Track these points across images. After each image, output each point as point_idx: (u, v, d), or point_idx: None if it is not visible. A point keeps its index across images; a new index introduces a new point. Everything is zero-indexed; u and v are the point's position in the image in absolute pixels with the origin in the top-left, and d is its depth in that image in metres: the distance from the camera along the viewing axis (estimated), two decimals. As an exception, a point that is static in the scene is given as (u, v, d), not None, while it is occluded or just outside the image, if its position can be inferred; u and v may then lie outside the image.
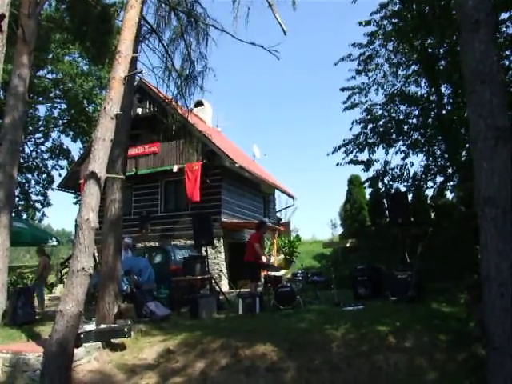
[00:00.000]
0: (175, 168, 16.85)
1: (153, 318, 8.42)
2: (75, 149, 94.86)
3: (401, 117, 11.25)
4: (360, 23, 11.12)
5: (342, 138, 12.20)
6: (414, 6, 10.02)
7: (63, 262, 19.84)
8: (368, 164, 11.22)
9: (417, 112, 11.14)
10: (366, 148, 11.14)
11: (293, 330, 6.74)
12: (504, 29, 9.06)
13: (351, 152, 11.26)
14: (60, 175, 26.90)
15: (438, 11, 9.39)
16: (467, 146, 9.64)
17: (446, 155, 10.74)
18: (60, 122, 27.63)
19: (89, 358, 6.31)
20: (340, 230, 22.38)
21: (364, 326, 6.48)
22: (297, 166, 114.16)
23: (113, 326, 7.21)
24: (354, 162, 11.32)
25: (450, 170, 10.85)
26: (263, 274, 10.26)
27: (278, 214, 25.16)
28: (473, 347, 5.41)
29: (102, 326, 7.17)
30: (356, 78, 11.51)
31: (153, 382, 5.75)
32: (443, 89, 10.89)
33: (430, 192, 12.50)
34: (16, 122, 9.92)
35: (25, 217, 26.34)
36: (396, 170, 11.17)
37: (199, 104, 21.03)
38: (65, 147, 27.95)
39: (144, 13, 10.03)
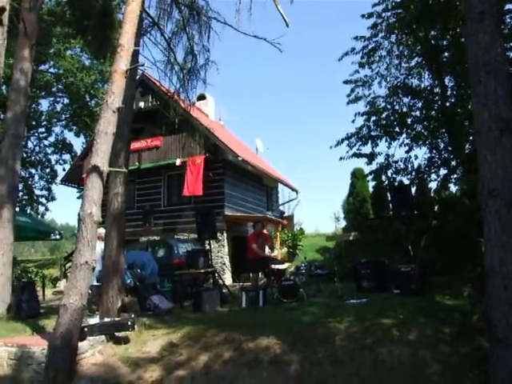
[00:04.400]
0: (178, 162, 16.82)
1: (156, 311, 8.44)
2: (78, 143, 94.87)
3: (404, 109, 11.19)
4: (363, 15, 11.07)
5: (345, 130, 12.14)
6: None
7: (67, 256, 19.89)
8: (371, 157, 11.17)
9: (420, 104, 11.08)
10: (369, 141, 11.08)
11: (296, 323, 6.75)
12: (508, 20, 8.98)
13: (354, 145, 11.21)
14: (64, 169, 26.93)
15: (442, 1, 9.31)
16: (471, 138, 9.59)
17: (450, 148, 10.68)
18: (63, 116, 27.63)
19: (93, 352, 6.34)
20: (343, 223, 22.29)
21: (367, 319, 6.48)
22: (300, 159, 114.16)
23: (116, 319, 7.24)
24: (357, 155, 11.27)
25: (453, 163, 10.79)
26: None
27: (281, 208, 25.13)
28: (476, 340, 5.40)
29: (106, 319, 7.20)
30: (359, 71, 11.46)
31: (156, 374, 5.78)
32: (447, 81, 10.83)
33: (433, 185, 12.43)
34: (18, 117, 9.92)
35: (28, 211, 26.40)
36: (399, 162, 11.12)
37: (202, 97, 20.96)
38: (68, 142, 27.98)
39: (146, 6, 10.01)
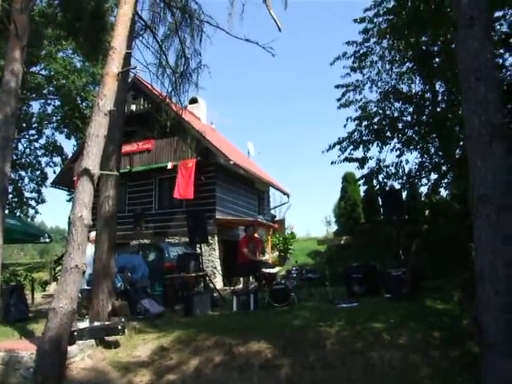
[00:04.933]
0: (169, 165, 16.80)
1: (147, 315, 8.40)
2: (69, 146, 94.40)
3: (395, 114, 11.25)
4: (355, 20, 11.12)
5: (336, 135, 12.19)
6: (409, 3, 10.00)
7: (56, 259, 19.74)
8: (363, 161, 11.21)
9: (411, 109, 11.14)
10: (361, 145, 11.13)
11: (287, 327, 6.75)
12: (498, 27, 9.07)
13: (346, 150, 11.26)
14: (54, 172, 26.75)
15: (433, 7, 9.39)
16: (461, 143, 9.65)
17: (441, 152, 10.75)
18: (54, 118, 27.46)
19: (82, 356, 6.29)
20: (334, 227, 22.41)
21: (358, 324, 6.50)
22: (291, 162, 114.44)
23: (107, 323, 7.19)
24: (348, 159, 11.31)
25: (444, 168, 10.86)
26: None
27: (272, 211, 25.15)
28: (466, 344, 5.43)
29: (96, 323, 7.15)
30: (351, 75, 11.51)
31: (147, 379, 5.74)
32: (437, 86, 10.90)
33: (424, 189, 12.52)
34: (8, 119, 9.82)
35: (18, 214, 26.18)
36: (391, 167, 11.17)
37: (193, 101, 20.96)
38: (58, 144, 27.80)
39: (138, 8, 9.99)
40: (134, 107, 18.18)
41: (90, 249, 8.19)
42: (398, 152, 11.12)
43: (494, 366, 4.30)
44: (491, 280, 4.43)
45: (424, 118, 10.85)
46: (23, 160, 27.25)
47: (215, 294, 10.40)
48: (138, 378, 5.77)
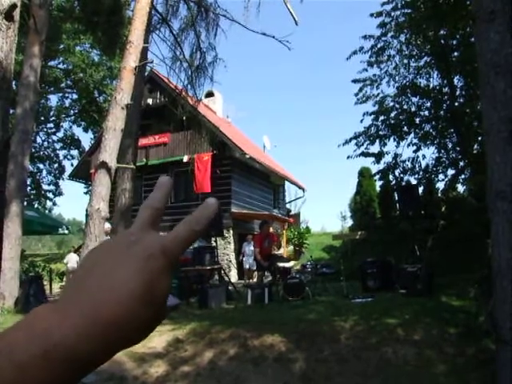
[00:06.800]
0: (185, 158, 16.87)
1: (162, 307, 8.48)
2: (87, 139, 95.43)
3: (412, 109, 11.17)
4: (372, 14, 11.03)
5: (353, 129, 12.16)
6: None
7: (74, 250, 19.99)
8: (379, 156, 11.16)
9: (429, 104, 11.05)
10: (377, 140, 11.08)
11: (301, 321, 6.76)
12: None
13: (362, 144, 11.22)
14: (72, 165, 27.11)
15: (451, 0, 9.27)
16: (479, 138, 9.54)
17: (458, 148, 10.66)
18: (71, 112, 27.78)
19: (99, 346, 6.37)
20: (350, 222, 22.31)
21: (373, 319, 6.48)
22: (307, 157, 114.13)
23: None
24: (365, 154, 11.27)
25: (461, 163, 10.77)
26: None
27: (287, 206, 25.13)
28: (482, 341, 5.39)
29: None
30: (368, 70, 11.45)
31: (162, 370, 5.80)
32: (456, 81, 10.80)
33: (441, 185, 12.42)
34: (27, 112, 9.98)
35: (36, 206, 26.59)
36: (407, 162, 11.12)
37: (210, 94, 20.99)
38: (76, 137, 28.15)
39: (155, 2, 10.03)
40: (150, 101, 18.28)
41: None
42: (415, 147, 11.08)
43: (510, 363, 4.27)
44: (508, 276, 4.38)
45: (441, 112, 10.75)
46: (41, 153, 27.69)
47: (230, 287, 10.45)
48: (153, 369, 5.84)
